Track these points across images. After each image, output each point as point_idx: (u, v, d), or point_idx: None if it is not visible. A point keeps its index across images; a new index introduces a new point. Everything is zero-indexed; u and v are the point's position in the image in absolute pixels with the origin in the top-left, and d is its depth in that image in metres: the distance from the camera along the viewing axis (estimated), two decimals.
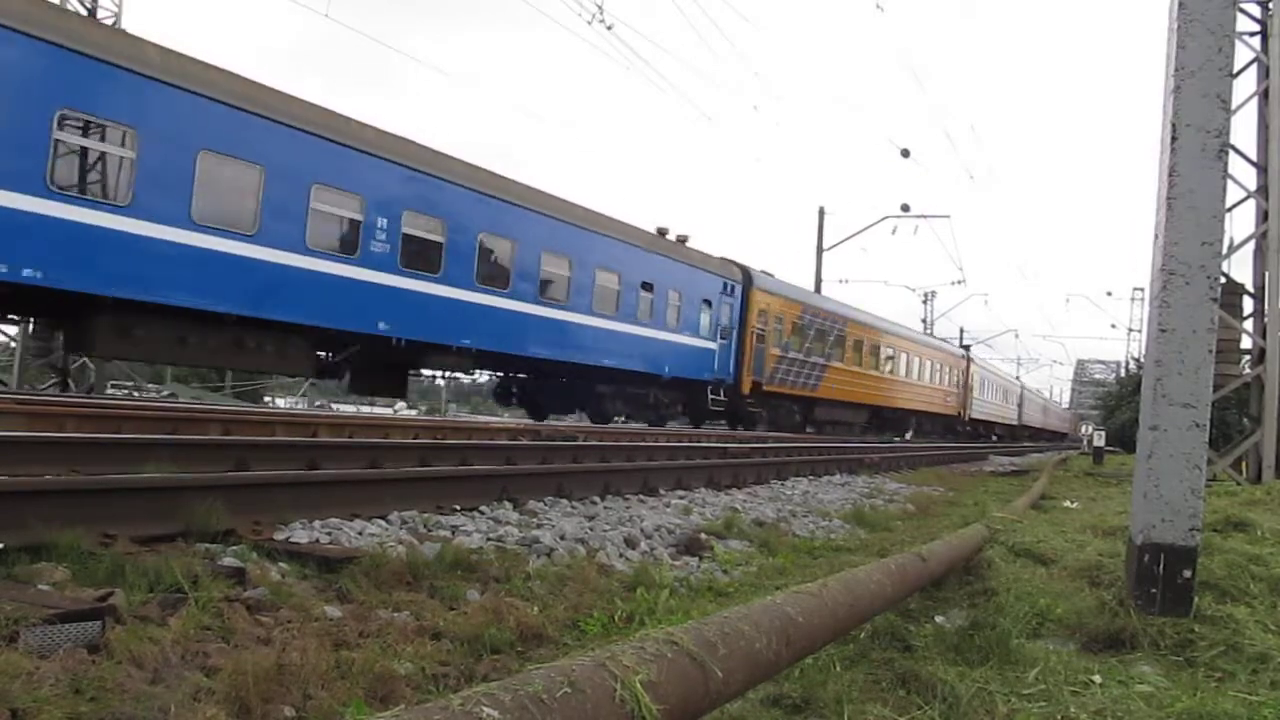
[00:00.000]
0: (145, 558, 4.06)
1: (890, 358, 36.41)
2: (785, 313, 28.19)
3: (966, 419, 46.93)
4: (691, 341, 24.08)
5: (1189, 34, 4.24)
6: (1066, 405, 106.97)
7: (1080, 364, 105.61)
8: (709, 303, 24.72)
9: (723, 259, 26.32)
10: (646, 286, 22.21)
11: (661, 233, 23.70)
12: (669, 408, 24.98)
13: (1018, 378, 69.58)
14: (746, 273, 26.64)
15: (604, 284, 20.81)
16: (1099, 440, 31.64)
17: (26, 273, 10.81)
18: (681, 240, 24.32)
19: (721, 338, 25.16)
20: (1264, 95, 13.90)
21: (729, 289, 25.62)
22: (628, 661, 1.78)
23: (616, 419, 23.50)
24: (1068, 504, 11.16)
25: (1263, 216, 13.86)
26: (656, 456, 12.29)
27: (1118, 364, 73.69)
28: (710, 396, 24.84)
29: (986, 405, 51.75)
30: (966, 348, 51.85)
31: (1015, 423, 62.84)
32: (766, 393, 27.14)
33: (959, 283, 56.24)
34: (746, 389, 26.02)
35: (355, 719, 2.66)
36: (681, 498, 9.13)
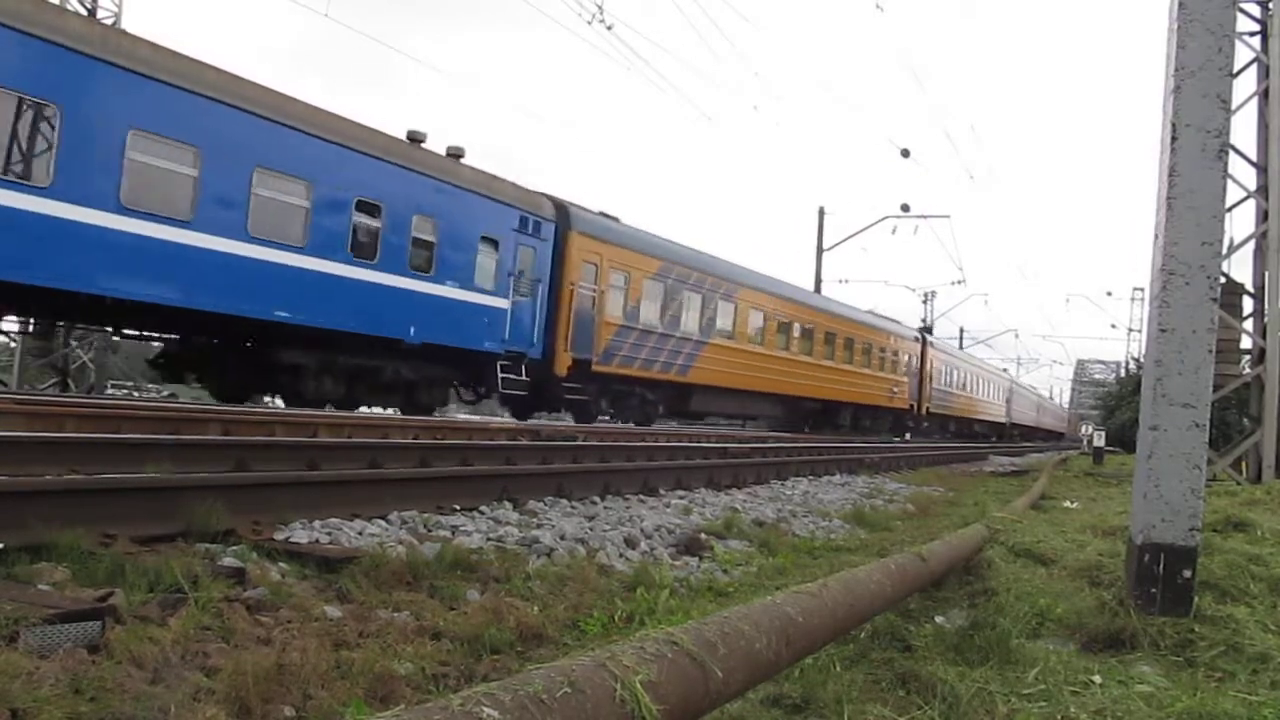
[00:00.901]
0: (145, 558, 4.07)
1: (806, 335, 29.49)
2: (632, 268, 21.06)
3: (923, 413, 40.04)
4: (461, 295, 16.83)
5: (1189, 34, 4.24)
6: (1065, 404, 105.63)
7: (1080, 364, 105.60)
8: (495, 243, 17.56)
9: (526, 190, 18.97)
10: (368, 209, 15.09)
11: (454, 155, 17.32)
12: (429, 389, 17.48)
13: (1005, 370, 63.52)
14: (563, 210, 19.42)
15: (277, 197, 13.80)
16: (1099, 440, 31.63)
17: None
18: (454, 156, 17.35)
19: (520, 294, 18.14)
20: (1264, 95, 13.90)
21: (532, 228, 18.40)
22: (628, 661, 1.78)
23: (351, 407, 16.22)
24: (1068, 504, 11.16)
25: (1263, 216, 13.86)
26: (656, 456, 12.30)
27: (1118, 364, 70.84)
28: (502, 375, 17.73)
29: (953, 398, 44.90)
30: (927, 330, 44.92)
31: (1003, 420, 57.61)
32: (601, 374, 20.31)
33: (959, 283, 56.13)
34: (564, 368, 19.02)
35: (355, 719, 2.66)
36: (681, 498, 9.13)
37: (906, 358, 38.08)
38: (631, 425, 22.19)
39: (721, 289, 24.87)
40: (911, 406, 38.57)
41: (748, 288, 26.17)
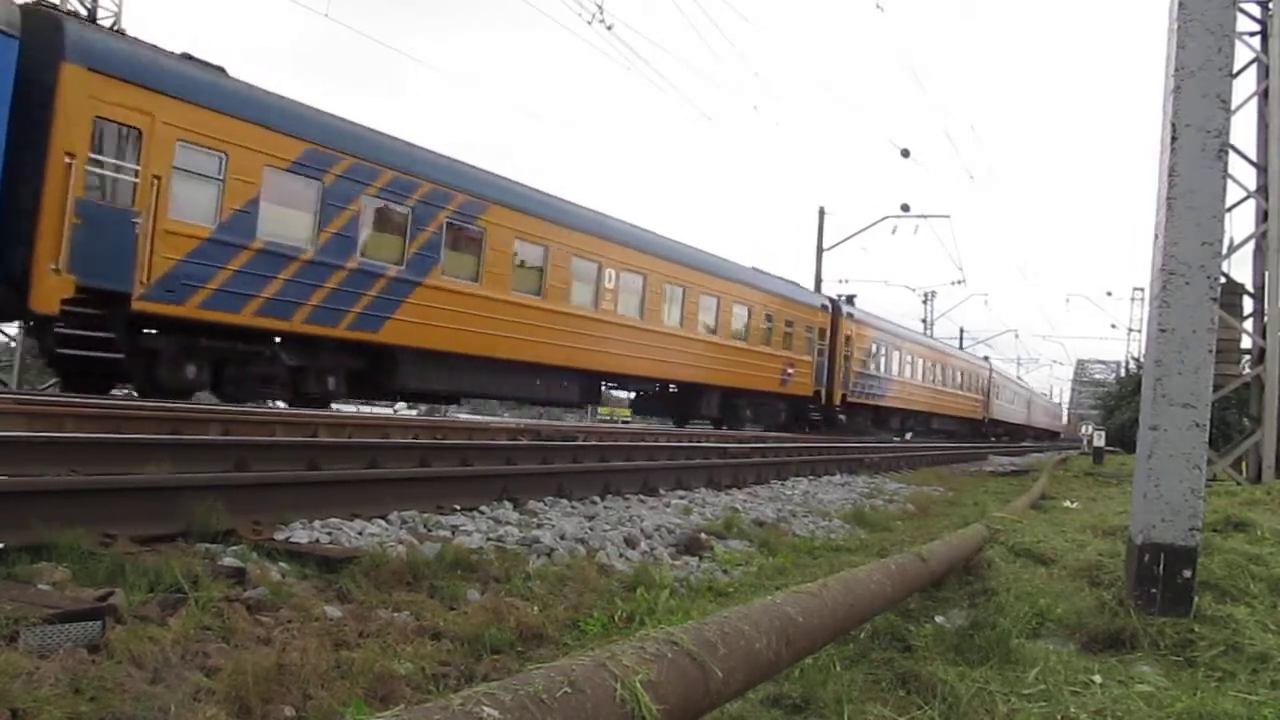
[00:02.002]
0: (145, 558, 4.07)
1: (612, 288, 20.64)
2: (237, 145, 13.10)
3: (836, 402, 31.20)
4: None
5: (1189, 34, 4.24)
6: (1059, 401, 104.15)
7: (1080, 364, 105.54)
8: None
9: None
10: None
11: None
12: None
13: (986, 359, 55.01)
14: (46, 20, 11.42)
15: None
16: (1099, 440, 31.62)
17: None
18: None
19: None
20: (1264, 95, 13.91)
21: None
22: (628, 661, 1.78)
23: None
24: (1068, 504, 11.16)
25: (1263, 216, 13.86)
26: (657, 456, 12.30)
27: (1118, 364, 68.71)
28: None
29: (888, 387, 35.77)
30: (848, 300, 35.40)
31: (977, 416, 49.49)
32: (157, 316, 12.45)
33: (959, 283, 56.03)
34: (54, 301, 11.10)
35: (355, 719, 2.66)
36: (681, 498, 9.13)
37: (798, 328, 29.07)
38: (632, 425, 22.10)
39: (451, 203, 16.45)
40: (817, 394, 30.14)
41: (510, 208, 17.72)
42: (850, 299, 36.16)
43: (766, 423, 28.29)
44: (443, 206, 16.39)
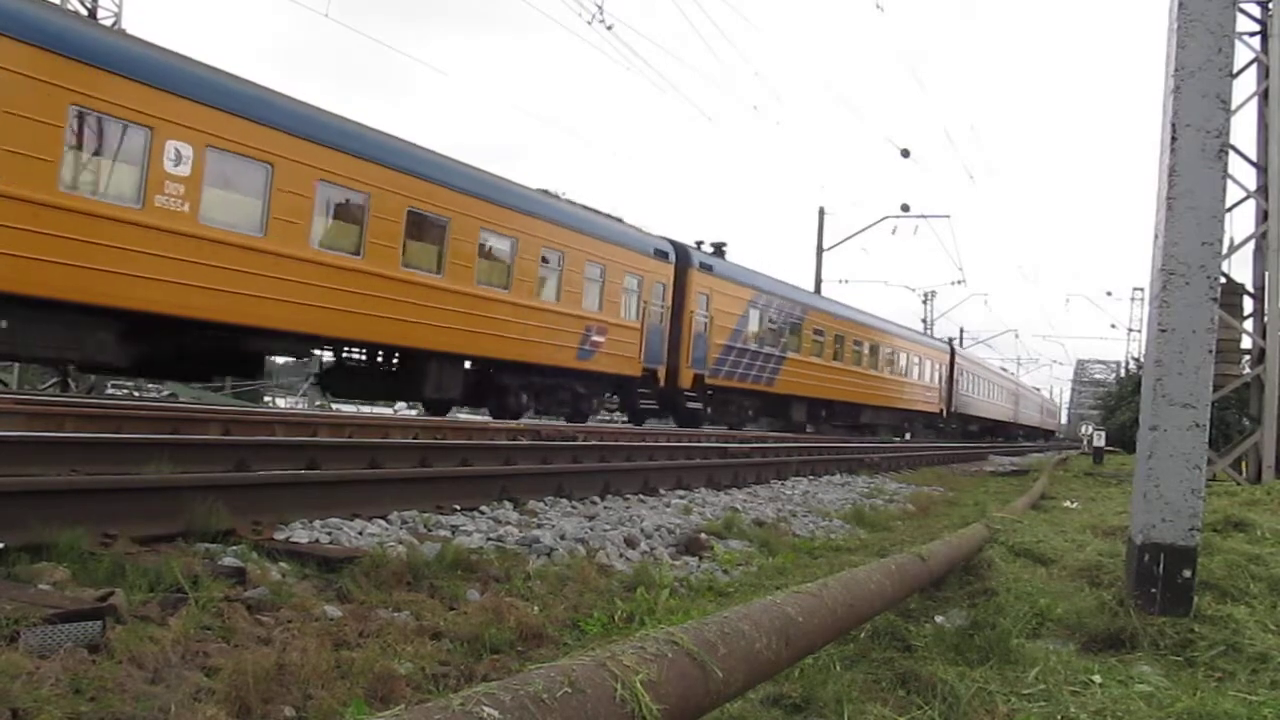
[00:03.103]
0: (145, 558, 4.07)
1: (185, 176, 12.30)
2: None
3: (685, 384, 23.14)
4: None
5: (1189, 34, 4.24)
6: (1058, 400, 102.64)
7: (1080, 364, 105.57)
8: None
9: None
10: None
11: None
12: None
13: (950, 341, 47.97)
14: None
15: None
16: (1099, 440, 31.60)
17: None
18: None
19: None
20: (1264, 95, 13.91)
21: None
22: (628, 661, 1.78)
23: None
24: (1068, 504, 11.16)
25: (1263, 216, 13.87)
26: (657, 456, 12.30)
27: (1118, 364, 68.25)
28: None
29: (779, 366, 27.29)
30: (719, 250, 26.04)
31: (933, 409, 41.46)
32: None
33: (959, 283, 56.19)
34: None
35: (355, 719, 2.66)
36: (681, 498, 9.13)
37: (629, 284, 21.33)
38: (632, 426, 21.87)
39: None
40: (651, 373, 22.14)
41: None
42: (719, 249, 25.99)
43: (561, 411, 20.52)
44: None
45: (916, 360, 39.32)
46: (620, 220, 22.03)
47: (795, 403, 29.81)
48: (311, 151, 13.97)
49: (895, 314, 41.27)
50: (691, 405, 24.01)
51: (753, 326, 26.50)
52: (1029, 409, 69.28)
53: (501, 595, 4.30)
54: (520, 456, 9.83)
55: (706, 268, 24.34)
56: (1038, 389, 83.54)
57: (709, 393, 24.87)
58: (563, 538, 5.95)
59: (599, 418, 24.49)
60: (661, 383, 22.67)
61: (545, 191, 19.73)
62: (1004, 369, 65.12)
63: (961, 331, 66.03)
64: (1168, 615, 3.95)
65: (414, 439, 11.15)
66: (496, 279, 17.71)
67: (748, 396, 27.28)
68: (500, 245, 17.79)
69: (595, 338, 20.20)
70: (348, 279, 14.56)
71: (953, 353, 45.36)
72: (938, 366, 42.27)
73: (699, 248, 24.94)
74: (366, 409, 24.56)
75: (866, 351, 34.15)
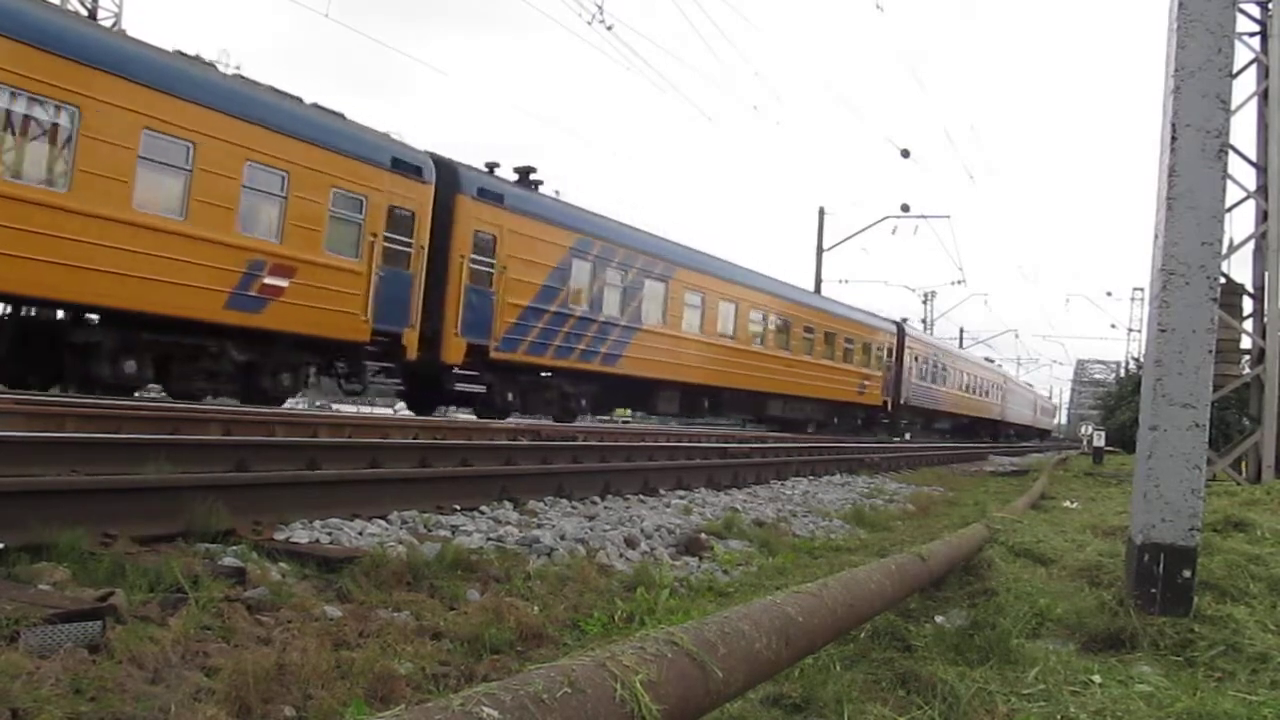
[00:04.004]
0: (145, 558, 4.07)
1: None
2: None
3: (452, 358, 16.72)
4: None
5: (1189, 34, 4.24)
6: (1055, 399, 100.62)
7: (1080, 364, 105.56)
8: None
9: None
10: None
11: None
12: None
13: (903, 321, 38.64)
14: None
15: None
16: (1099, 440, 31.59)
17: None
18: None
19: None
20: (1264, 95, 13.91)
21: None
22: (628, 661, 1.78)
23: None
24: (1067, 504, 11.16)
25: (1262, 216, 13.87)
26: (657, 456, 12.32)
27: (1118, 364, 66.38)
28: None
29: (609, 334, 20.43)
30: (525, 179, 19.29)
31: (878, 400, 34.63)
32: None
33: (959, 283, 56.14)
34: None
35: (355, 719, 2.66)
36: (681, 498, 9.14)
37: (348, 211, 15.00)
38: (631, 425, 21.48)
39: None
40: (393, 338, 15.66)
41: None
42: (526, 176, 18.92)
43: (223, 388, 14.50)
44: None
45: (847, 341, 32.22)
46: (341, 116, 15.26)
47: (658, 389, 22.97)
48: None
49: (895, 314, 37.96)
50: (463, 388, 17.29)
51: (578, 284, 19.48)
52: (1019, 405, 63.08)
53: (501, 595, 4.30)
54: (520, 456, 9.83)
55: (490, 197, 17.22)
56: (1030, 385, 78.81)
57: (502, 371, 17.88)
58: (563, 538, 5.95)
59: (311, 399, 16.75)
60: (410, 354, 15.93)
61: (187, 56, 13.30)
62: (989, 360, 59.67)
63: (962, 331, 65.80)
64: (1168, 615, 3.95)
65: (414, 439, 11.16)
66: (32, 169, 11.40)
67: (574, 379, 20.08)
68: (41, 114, 11.34)
69: (268, 279, 13.73)
70: None
71: (901, 334, 37.16)
72: (878, 350, 34.86)
73: (492, 173, 18.20)
74: (366, 409, 24.35)
75: (771, 327, 27.23)
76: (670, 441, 16.11)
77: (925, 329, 53.94)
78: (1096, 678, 3.36)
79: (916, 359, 38.45)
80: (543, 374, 19.48)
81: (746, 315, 25.87)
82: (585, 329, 19.80)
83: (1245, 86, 13.84)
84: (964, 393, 46.26)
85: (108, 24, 19.22)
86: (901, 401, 36.59)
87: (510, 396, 18.62)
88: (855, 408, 33.97)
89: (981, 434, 50.57)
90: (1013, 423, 59.73)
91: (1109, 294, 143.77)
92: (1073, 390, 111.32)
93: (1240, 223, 14.69)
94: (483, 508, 6.78)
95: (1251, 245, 14.19)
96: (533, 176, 19.26)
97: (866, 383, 33.66)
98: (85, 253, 11.59)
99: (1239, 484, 12.85)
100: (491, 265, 17.37)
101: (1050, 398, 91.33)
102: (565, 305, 19.18)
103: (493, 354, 17.45)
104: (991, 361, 59.84)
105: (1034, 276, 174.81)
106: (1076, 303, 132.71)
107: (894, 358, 36.07)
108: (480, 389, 17.52)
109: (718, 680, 2.01)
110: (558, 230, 19.09)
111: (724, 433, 23.38)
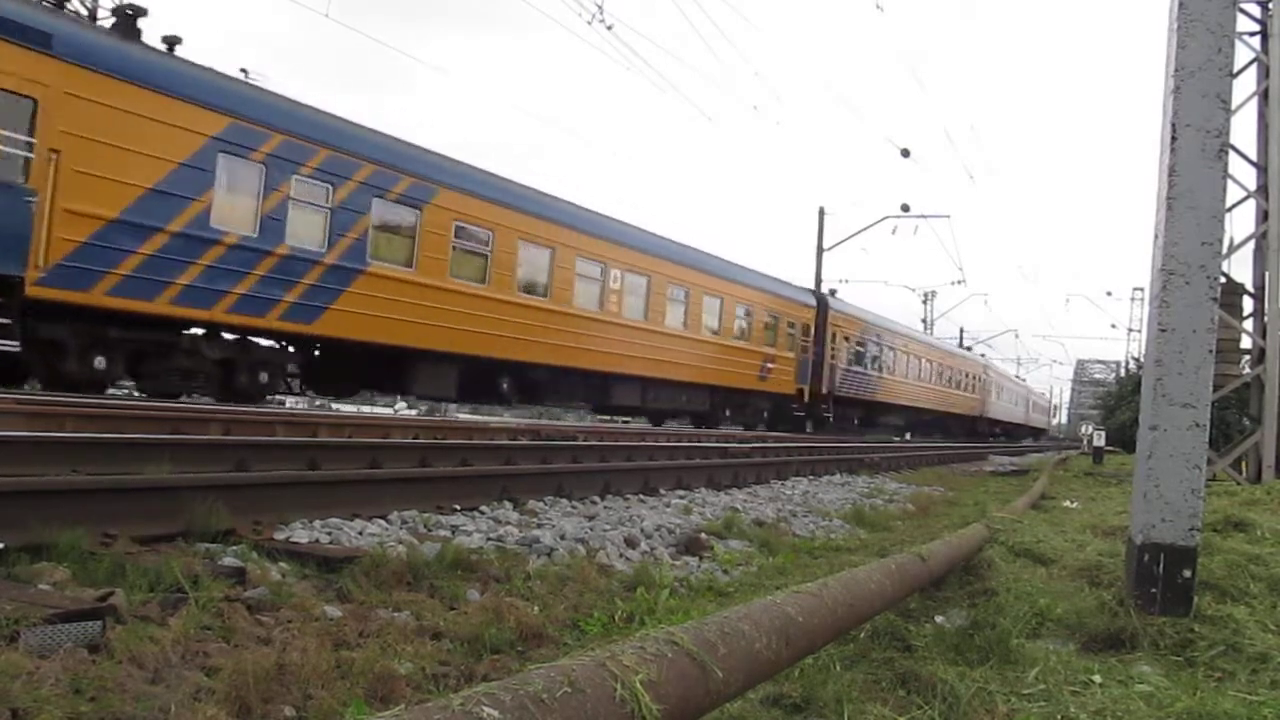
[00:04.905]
0: (145, 558, 4.07)
1: None
2: None
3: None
4: None
5: (1189, 34, 4.24)
6: (1055, 398, 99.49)
7: (1080, 364, 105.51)
8: None
9: None
10: None
11: None
12: None
13: (831, 293, 33.39)
14: None
15: None
16: (1099, 440, 31.58)
17: None
18: None
19: None
20: (1264, 95, 13.91)
21: None
22: (628, 661, 1.78)
23: None
24: (1068, 504, 11.16)
25: (1263, 216, 13.86)
26: (657, 456, 12.32)
27: (1118, 364, 65.58)
28: None
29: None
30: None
31: (790, 389, 28.34)
32: None
33: (959, 283, 55.86)
34: None
35: (355, 719, 2.66)
36: (681, 498, 9.13)
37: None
38: (631, 425, 21.37)
39: None
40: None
41: None
42: (134, 22, 12.55)
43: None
44: None
45: (744, 313, 25.80)
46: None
47: (414, 361, 16.12)
48: None
49: (895, 314, 36.00)
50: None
51: (232, 194, 13.09)
52: (1007, 401, 57.20)
53: (501, 595, 4.30)
54: (520, 456, 9.83)
55: (28, 35, 10.74)
56: (1022, 379, 73.48)
57: (63, 317, 11.68)
58: (563, 538, 5.95)
59: None
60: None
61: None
62: (968, 349, 54.26)
63: (962, 331, 65.48)
64: (1168, 615, 3.95)
65: (414, 439, 11.16)
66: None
67: (238, 343, 14.00)
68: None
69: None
70: None
71: (823, 308, 30.61)
72: (790, 327, 28.49)
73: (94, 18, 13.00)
74: (367, 409, 24.39)
75: (615, 285, 20.63)
76: (671, 441, 16.13)
77: (926, 329, 53.82)
78: (1097, 678, 3.36)
79: (847, 339, 32.03)
80: (184, 331, 13.12)
81: (571, 266, 19.22)
82: (248, 264, 13.16)
83: (1245, 86, 13.84)
84: (923, 383, 39.62)
85: (107, 24, 19.15)
86: (825, 390, 30.10)
87: (99, 362, 12.12)
88: (756, 396, 27.15)
89: (955, 432, 44.69)
90: (999, 420, 54.16)
91: (1109, 294, 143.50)
92: (1073, 390, 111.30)
93: (1240, 222, 14.68)
94: (483, 508, 6.78)
95: (1251, 245, 14.18)
96: (167, 34, 12.88)
97: (771, 365, 27.01)
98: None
99: (1239, 484, 12.84)
100: (29, 147, 10.79)
101: (1042, 393, 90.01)
102: (202, 225, 12.59)
103: (30, 289, 10.98)
104: (970, 351, 54.46)
105: (1034, 276, 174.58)
106: (1076, 303, 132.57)
107: (812, 337, 29.68)
108: (9, 345, 10.62)
109: (718, 680, 2.01)
110: (187, 108, 12.41)
111: (725, 433, 23.34)
